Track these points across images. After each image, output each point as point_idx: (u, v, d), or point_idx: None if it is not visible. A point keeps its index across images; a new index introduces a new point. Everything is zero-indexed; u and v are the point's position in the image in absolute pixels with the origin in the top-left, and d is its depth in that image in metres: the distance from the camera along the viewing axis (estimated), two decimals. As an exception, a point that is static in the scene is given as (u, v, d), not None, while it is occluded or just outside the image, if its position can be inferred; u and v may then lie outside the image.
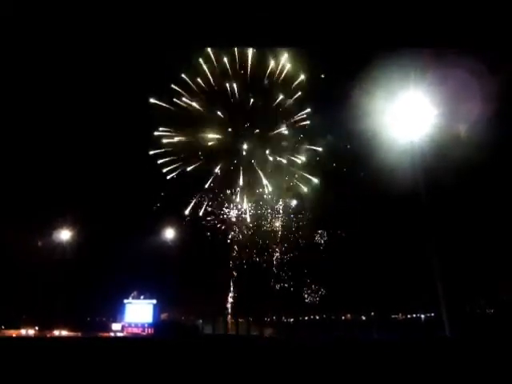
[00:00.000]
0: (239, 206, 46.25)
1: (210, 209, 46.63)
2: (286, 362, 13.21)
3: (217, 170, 46.82)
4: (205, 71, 46.29)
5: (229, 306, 44.17)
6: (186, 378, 10.56)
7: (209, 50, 45.18)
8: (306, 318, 46.30)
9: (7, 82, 34.86)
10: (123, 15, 11.14)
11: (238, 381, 10.38)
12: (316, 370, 10.95)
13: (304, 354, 15.69)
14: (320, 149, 45.41)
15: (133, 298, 43.92)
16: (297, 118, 46.41)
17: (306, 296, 40.78)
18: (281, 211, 46.03)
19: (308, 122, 46.25)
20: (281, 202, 45.94)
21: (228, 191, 46.75)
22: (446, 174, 33.63)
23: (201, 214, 46.71)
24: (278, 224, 45.65)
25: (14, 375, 10.54)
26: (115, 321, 44.44)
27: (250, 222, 45.91)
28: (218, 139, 47.05)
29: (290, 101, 46.12)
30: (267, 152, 46.61)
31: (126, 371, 11.20)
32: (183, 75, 46.10)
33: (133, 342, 27.89)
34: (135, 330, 42.07)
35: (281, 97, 46.16)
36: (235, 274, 45.03)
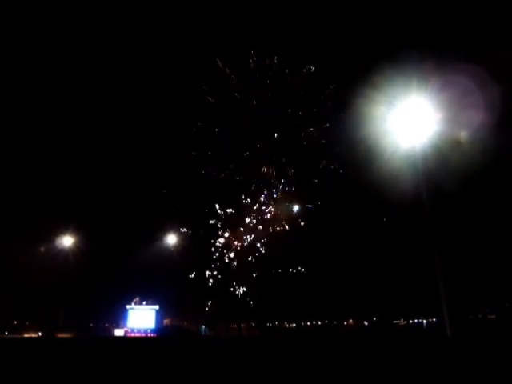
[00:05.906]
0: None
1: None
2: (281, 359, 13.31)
3: None
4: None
5: (231, 311, 44.02)
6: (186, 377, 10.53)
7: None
8: (308, 323, 46.41)
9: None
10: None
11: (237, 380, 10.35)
12: (315, 369, 10.96)
13: (302, 352, 15.72)
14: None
15: (135, 303, 44.04)
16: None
17: (307, 301, 40.61)
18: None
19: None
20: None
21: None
22: (449, 179, 33.56)
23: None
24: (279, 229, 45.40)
25: (18, 375, 10.55)
26: (118, 326, 44.55)
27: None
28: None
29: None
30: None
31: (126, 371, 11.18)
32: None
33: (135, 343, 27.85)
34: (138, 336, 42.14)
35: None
36: (237, 279, 44.91)
